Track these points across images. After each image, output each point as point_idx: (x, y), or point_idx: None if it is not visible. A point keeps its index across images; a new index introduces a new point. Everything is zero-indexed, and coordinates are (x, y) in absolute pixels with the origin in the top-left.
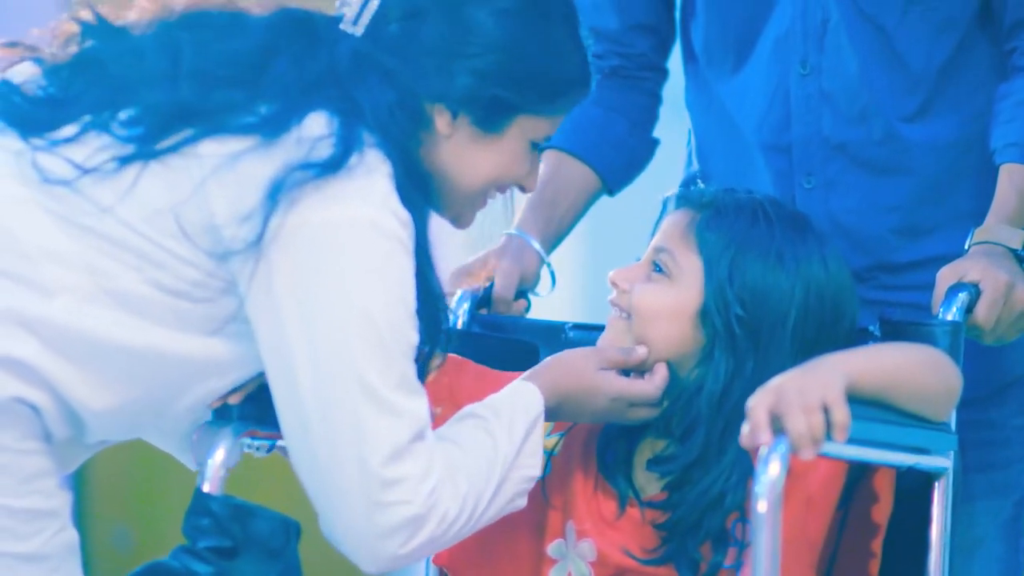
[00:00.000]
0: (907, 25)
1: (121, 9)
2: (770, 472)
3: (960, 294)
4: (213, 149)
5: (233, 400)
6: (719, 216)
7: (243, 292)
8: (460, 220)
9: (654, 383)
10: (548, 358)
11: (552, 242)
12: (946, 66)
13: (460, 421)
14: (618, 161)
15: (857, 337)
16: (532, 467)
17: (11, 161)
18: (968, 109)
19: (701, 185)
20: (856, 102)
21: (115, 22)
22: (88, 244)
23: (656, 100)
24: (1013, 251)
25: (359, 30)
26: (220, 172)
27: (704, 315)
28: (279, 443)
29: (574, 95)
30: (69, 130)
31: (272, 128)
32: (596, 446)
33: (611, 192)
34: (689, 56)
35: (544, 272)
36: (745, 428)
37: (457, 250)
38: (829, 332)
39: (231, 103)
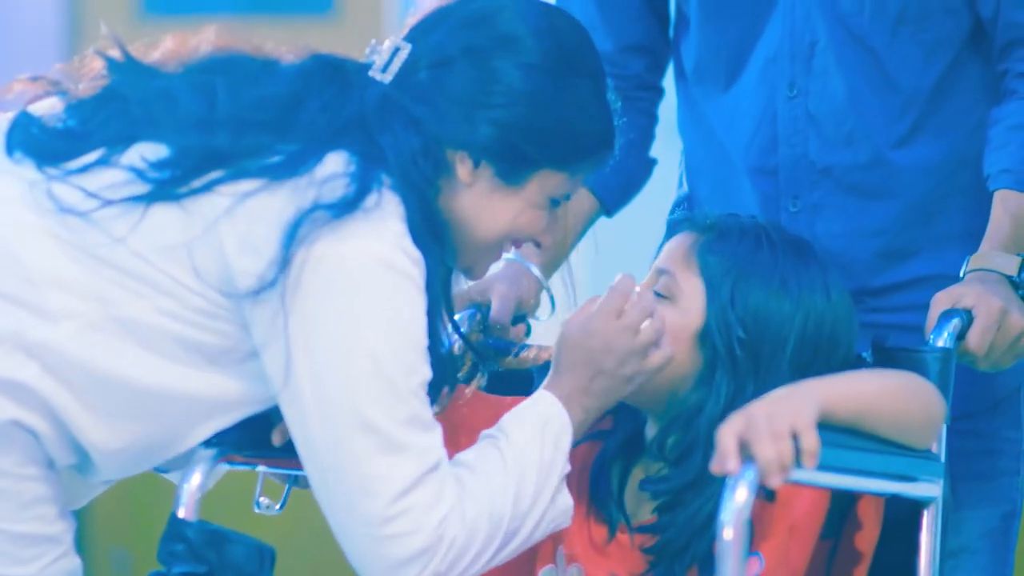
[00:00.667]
0: (897, 46)
1: (146, 46)
2: (736, 499)
3: (952, 320)
4: (228, 189)
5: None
6: (722, 239)
7: (252, 327)
8: (473, 271)
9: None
10: (558, 344)
11: (552, 266)
12: (937, 87)
13: (477, 444)
14: (615, 182)
15: (853, 364)
16: (563, 469)
17: (24, 189)
18: (959, 129)
19: (689, 208)
20: (843, 126)
21: (142, 60)
22: (97, 272)
23: (652, 120)
24: (1009, 277)
25: (388, 77)
26: (231, 211)
27: (704, 337)
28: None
29: (597, 156)
30: (84, 161)
31: (288, 167)
32: (590, 471)
33: (609, 213)
34: (680, 75)
35: (544, 296)
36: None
37: None
38: (825, 359)
39: (260, 146)
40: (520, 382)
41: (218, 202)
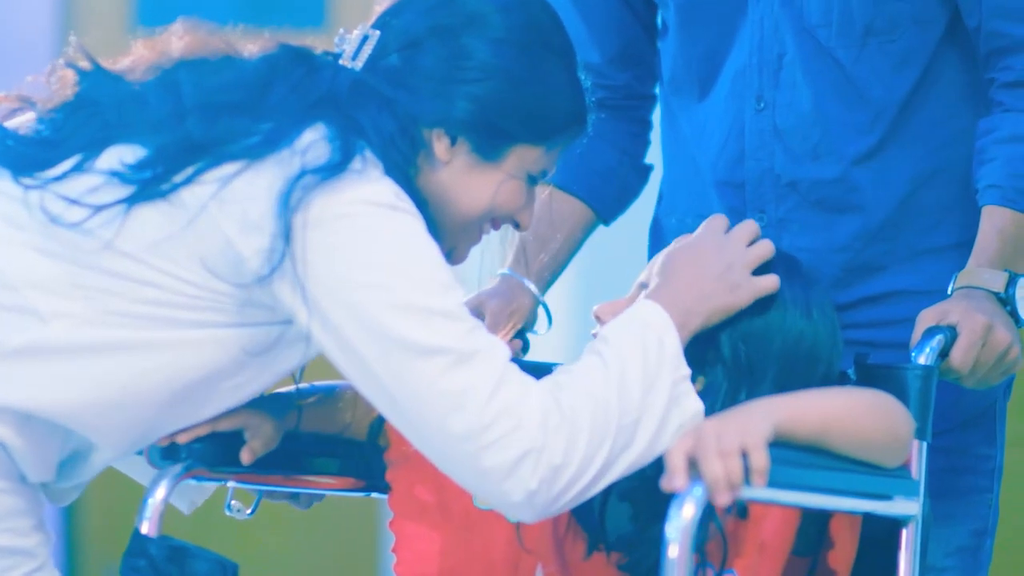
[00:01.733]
0: (866, 58)
1: (117, 55)
2: (683, 516)
3: (935, 336)
4: (211, 176)
5: (181, 439)
6: None
7: (279, 305)
8: (454, 253)
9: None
10: (660, 258)
11: (548, 279)
12: (909, 98)
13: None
14: (609, 191)
15: (834, 383)
16: (677, 369)
17: (1, 202)
18: (930, 142)
19: (664, 219)
20: (808, 139)
21: (111, 68)
22: (82, 276)
23: (646, 126)
24: (996, 294)
25: (359, 64)
26: (219, 196)
27: (690, 348)
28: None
29: (570, 129)
30: (61, 169)
31: (268, 144)
32: None
33: (606, 222)
34: (661, 84)
35: (541, 311)
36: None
37: None
38: (804, 376)
39: (235, 130)
40: None
41: (203, 190)
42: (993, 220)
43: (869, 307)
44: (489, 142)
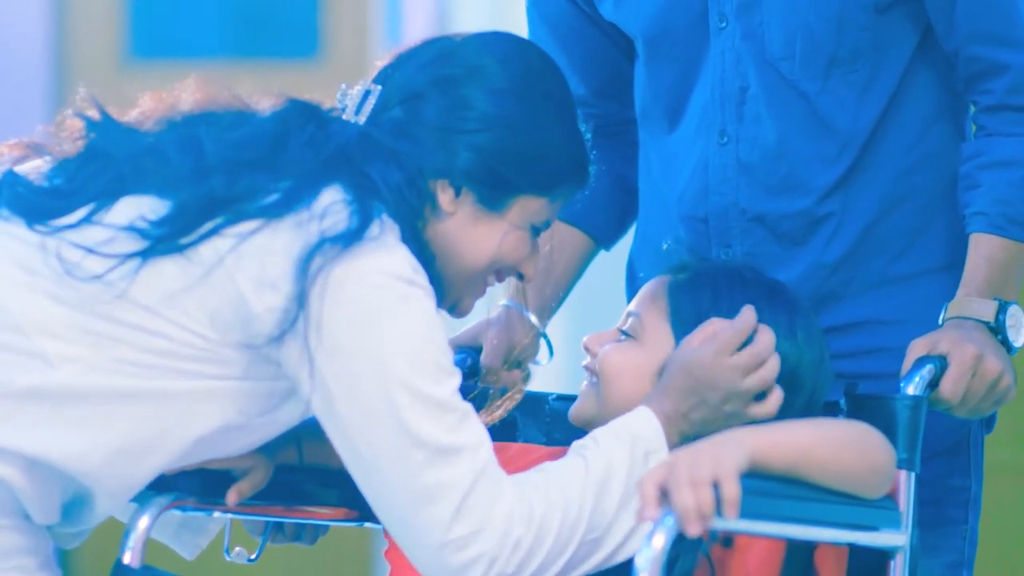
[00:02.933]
0: (830, 89)
1: (123, 107)
2: (653, 546)
3: (925, 366)
4: (230, 232)
5: (169, 470)
6: (693, 282)
7: (284, 366)
8: (459, 306)
9: (762, 339)
10: (669, 363)
11: (549, 309)
12: (876, 126)
13: (566, 455)
14: (606, 217)
15: (819, 407)
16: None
17: (15, 247)
18: (899, 167)
19: (638, 251)
20: (774, 173)
21: (121, 119)
22: (91, 324)
23: (638, 149)
24: (986, 323)
25: (362, 119)
26: (236, 250)
27: None
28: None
29: (572, 179)
30: (73, 218)
31: (286, 204)
32: None
33: (606, 247)
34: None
35: (543, 342)
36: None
37: None
38: (789, 401)
39: (255, 187)
40: (500, 427)
41: (222, 244)
42: (981, 248)
43: (836, 337)
44: (493, 192)
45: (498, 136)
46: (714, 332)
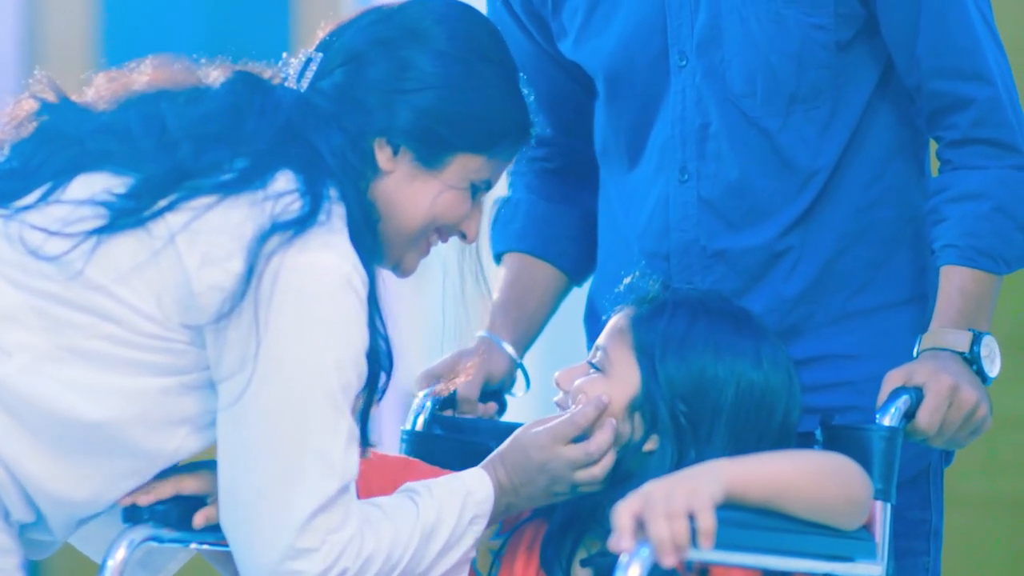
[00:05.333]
0: (792, 126)
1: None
2: None
3: (901, 397)
4: (186, 206)
5: (143, 501)
6: (656, 313)
7: (211, 348)
8: (402, 265)
9: (599, 439)
10: (512, 437)
11: (525, 341)
12: (837, 162)
13: (396, 493)
14: (578, 253)
15: (796, 438)
16: (464, 547)
17: None
18: (859, 201)
19: (597, 288)
20: (736, 209)
21: (76, 100)
22: (47, 309)
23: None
24: (961, 354)
25: (303, 85)
26: (189, 226)
27: (638, 408)
28: (193, 545)
29: (511, 138)
30: (31, 198)
31: (241, 183)
32: (540, 544)
33: (578, 283)
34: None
35: (519, 373)
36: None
37: None
38: (759, 427)
39: (219, 161)
40: (477, 457)
41: (174, 220)
42: (953, 280)
43: (798, 371)
44: (430, 151)
45: (437, 96)
46: (556, 421)
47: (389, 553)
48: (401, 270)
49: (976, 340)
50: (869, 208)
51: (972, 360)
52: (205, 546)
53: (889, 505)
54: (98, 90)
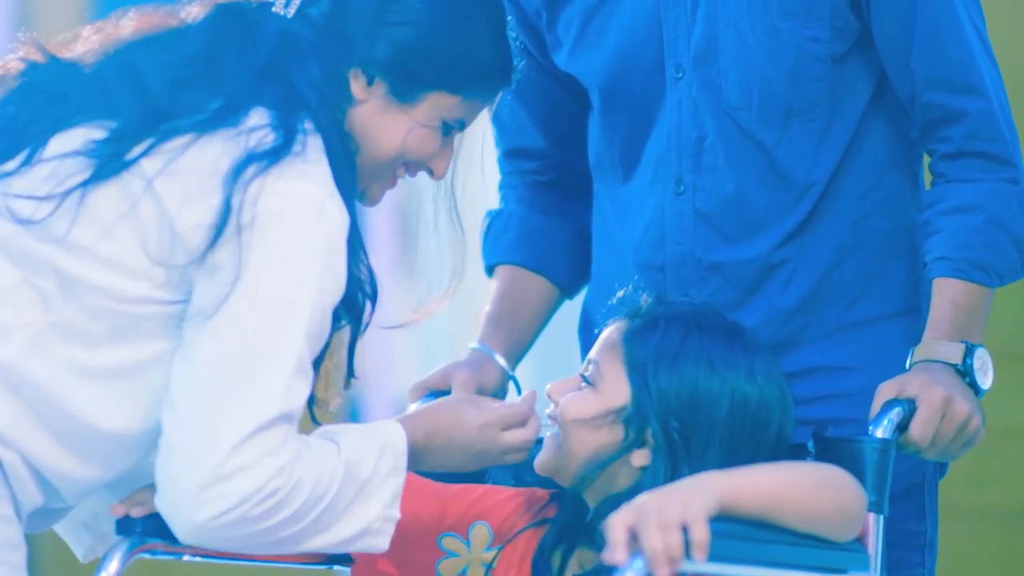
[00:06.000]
0: (787, 139)
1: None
2: None
3: (894, 409)
4: (162, 149)
5: (136, 513)
6: (649, 327)
7: (199, 282)
8: (368, 194)
9: (525, 403)
10: (445, 400)
11: (517, 353)
12: (833, 175)
13: (314, 434)
14: (570, 266)
15: (789, 451)
16: (384, 496)
17: None
18: (854, 214)
19: (593, 303)
20: (731, 222)
21: (63, 56)
22: (37, 279)
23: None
24: (954, 366)
25: (291, 11)
26: (165, 169)
27: (629, 421)
28: (186, 557)
29: (489, 82)
30: (17, 161)
31: (215, 121)
32: (532, 558)
33: (570, 296)
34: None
35: (511, 385)
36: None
37: None
38: (755, 440)
39: (195, 103)
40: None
41: (150, 166)
42: (945, 292)
43: (793, 383)
44: (404, 85)
45: (418, 32)
46: (497, 406)
47: (317, 481)
48: (367, 199)
49: (969, 352)
50: (864, 220)
51: (965, 372)
52: (197, 558)
53: (882, 517)
54: (85, 43)
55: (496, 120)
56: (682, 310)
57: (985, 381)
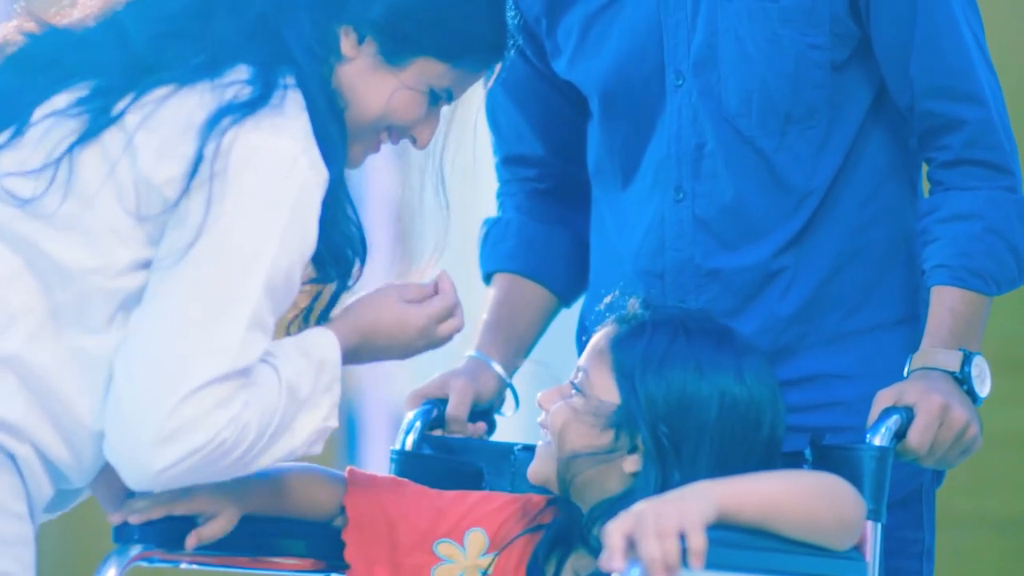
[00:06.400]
0: (787, 146)
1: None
2: None
3: (891, 417)
4: (143, 101)
5: (134, 520)
6: (636, 332)
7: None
8: (349, 156)
9: (445, 290)
10: (374, 294)
11: (514, 361)
12: (832, 182)
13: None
14: (568, 274)
15: (784, 454)
16: (323, 410)
17: None
18: (853, 222)
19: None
20: (731, 228)
21: (57, 23)
22: (32, 263)
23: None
24: (952, 373)
25: None
26: (144, 124)
27: (619, 427)
28: (183, 565)
29: (482, 55)
30: (4, 136)
31: (196, 74)
32: (527, 564)
33: (567, 304)
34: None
35: (508, 393)
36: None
37: None
38: (747, 441)
39: (180, 56)
40: (466, 477)
41: (133, 118)
42: (943, 300)
43: (791, 391)
44: (395, 47)
45: None
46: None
47: (262, 418)
48: (348, 161)
49: (967, 360)
50: (863, 229)
51: (963, 380)
52: (195, 566)
53: (880, 525)
54: (83, 8)
55: (494, 127)
56: (670, 314)
57: (983, 389)
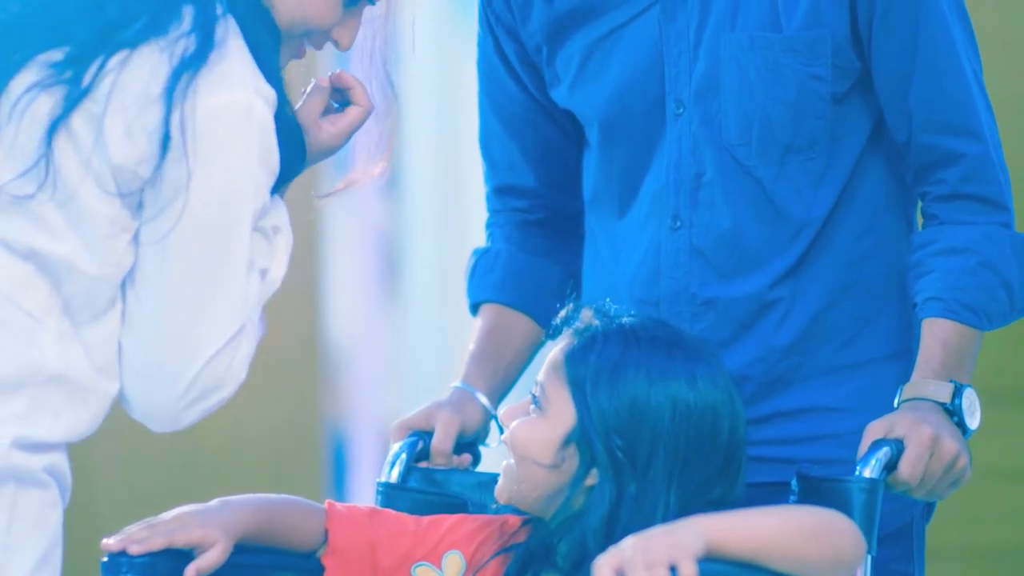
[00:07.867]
0: (786, 176)
1: None
2: None
3: (881, 449)
4: (108, 67)
5: (134, 550)
6: (589, 344)
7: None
8: None
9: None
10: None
11: (499, 392)
12: (830, 214)
13: None
14: (554, 307)
15: (772, 489)
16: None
17: None
18: (850, 255)
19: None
20: (728, 259)
21: None
22: (36, 261)
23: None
24: (942, 405)
25: None
26: (109, 98)
27: (575, 443)
28: None
29: None
30: None
31: (147, 31)
32: None
33: (554, 337)
34: (584, 202)
35: (492, 424)
36: None
37: None
38: (707, 448)
39: (138, 11)
40: (450, 511)
41: (99, 94)
42: (936, 332)
43: (783, 422)
44: None
45: None
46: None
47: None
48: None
49: (958, 392)
50: (859, 262)
51: (953, 412)
52: None
53: (870, 557)
54: None
55: (487, 156)
56: (622, 325)
57: (973, 421)
